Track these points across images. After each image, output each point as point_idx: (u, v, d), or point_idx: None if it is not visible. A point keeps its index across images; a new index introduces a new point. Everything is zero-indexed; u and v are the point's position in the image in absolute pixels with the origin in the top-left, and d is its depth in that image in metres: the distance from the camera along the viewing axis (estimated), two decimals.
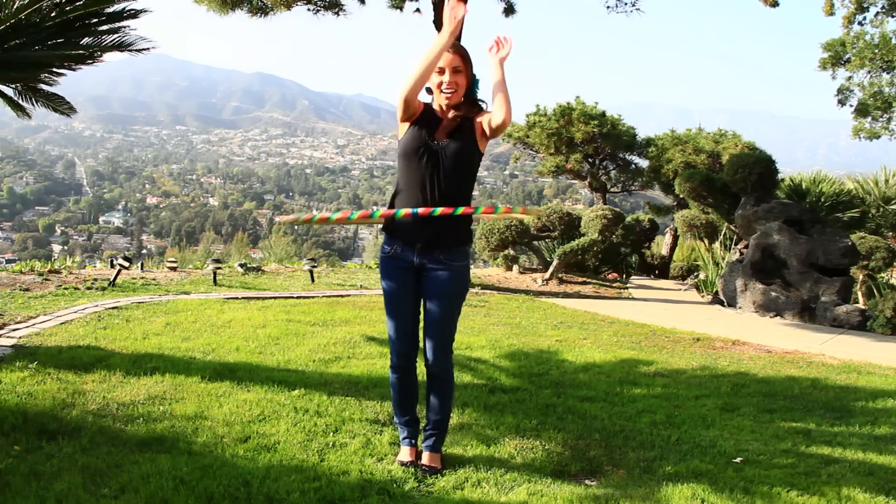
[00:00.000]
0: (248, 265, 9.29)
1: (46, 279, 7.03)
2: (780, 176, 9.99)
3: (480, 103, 2.82)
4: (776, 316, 8.24)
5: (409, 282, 2.82)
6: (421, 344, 2.90)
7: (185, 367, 4.02)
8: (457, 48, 2.72)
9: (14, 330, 4.78)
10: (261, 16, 9.05)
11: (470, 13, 8.71)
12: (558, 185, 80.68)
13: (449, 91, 2.71)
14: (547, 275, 10.10)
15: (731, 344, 6.18)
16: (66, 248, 66.63)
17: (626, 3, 10.11)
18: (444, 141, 2.74)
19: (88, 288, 6.72)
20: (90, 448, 2.78)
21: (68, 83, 5.25)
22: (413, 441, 2.95)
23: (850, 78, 16.67)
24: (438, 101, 2.78)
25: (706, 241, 11.43)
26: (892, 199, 12.62)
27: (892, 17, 15.66)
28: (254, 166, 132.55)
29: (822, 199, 10.49)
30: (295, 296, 7.26)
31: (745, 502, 2.70)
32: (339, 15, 9.22)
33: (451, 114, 2.76)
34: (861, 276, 10.28)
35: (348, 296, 7.54)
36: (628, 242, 12.56)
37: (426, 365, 2.89)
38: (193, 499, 2.39)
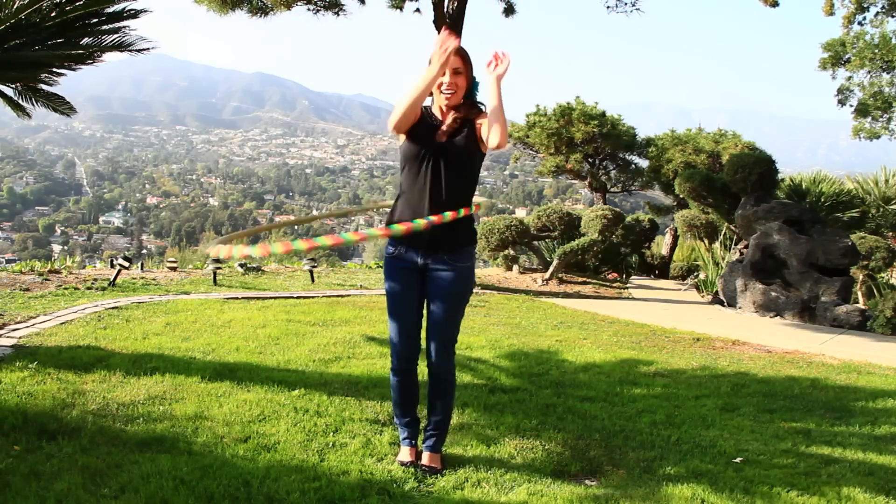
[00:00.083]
0: (248, 265, 9.29)
1: (46, 279, 7.03)
2: (780, 176, 9.99)
3: (480, 105, 2.81)
4: (776, 316, 8.24)
5: (414, 282, 2.81)
6: (423, 344, 2.90)
7: (185, 367, 4.02)
8: (458, 50, 2.72)
9: (14, 330, 4.78)
10: (261, 16, 9.06)
11: (470, 13, 8.72)
12: (558, 185, 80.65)
13: (449, 92, 2.71)
14: (547, 275, 10.10)
15: (731, 344, 6.18)
16: (66, 248, 66.65)
17: (626, 3, 10.12)
18: (445, 142, 2.74)
19: (88, 288, 6.72)
20: (90, 448, 2.78)
21: (68, 83, 5.25)
22: (413, 441, 2.95)
23: (850, 78, 16.68)
24: (438, 102, 2.78)
25: (706, 241, 11.42)
26: (892, 199, 12.63)
27: (892, 17, 15.67)
28: (254, 166, 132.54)
29: (822, 199, 10.49)
30: (295, 296, 7.26)
31: (745, 502, 2.70)
32: (339, 15, 9.23)
33: (450, 115, 2.76)
34: (861, 276, 10.28)
35: (348, 296, 7.55)
36: (628, 242, 12.56)
37: (428, 365, 2.89)
38: (193, 499, 2.39)
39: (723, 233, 11.12)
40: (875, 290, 10.16)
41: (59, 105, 5.08)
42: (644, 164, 15.17)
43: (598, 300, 8.97)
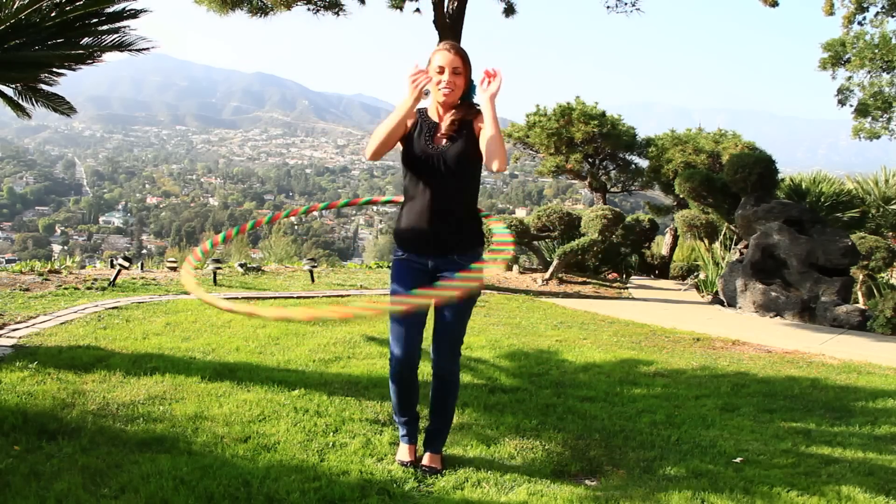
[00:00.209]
0: (248, 265, 9.29)
1: (46, 279, 7.03)
2: (780, 176, 9.99)
3: (476, 106, 2.81)
4: (776, 316, 8.24)
5: (423, 284, 2.78)
6: (420, 351, 2.88)
7: (185, 367, 4.02)
8: (458, 50, 2.72)
9: (14, 330, 4.78)
10: (261, 16, 9.07)
11: (470, 13, 8.71)
12: (558, 185, 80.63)
13: (447, 90, 2.71)
14: (547, 275, 10.10)
15: (731, 344, 6.18)
16: (66, 248, 66.62)
17: (626, 3, 10.13)
18: (445, 145, 2.73)
19: (88, 288, 6.72)
20: (90, 448, 2.78)
21: (68, 83, 5.25)
22: (413, 439, 2.95)
23: (850, 78, 16.68)
24: (436, 99, 2.77)
25: (706, 241, 11.42)
26: (892, 199, 12.62)
27: (892, 17, 15.67)
28: (254, 166, 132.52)
29: (822, 199, 10.48)
30: (295, 296, 7.25)
31: (745, 502, 2.70)
32: (339, 15, 9.24)
33: (448, 118, 2.75)
34: (861, 276, 10.28)
35: (348, 296, 7.55)
36: (628, 242, 12.55)
37: (433, 366, 2.88)
38: (193, 499, 2.39)
39: (723, 233, 11.12)
40: (875, 290, 10.15)
41: (59, 105, 5.09)
42: (644, 164, 15.16)
43: (598, 300, 8.97)
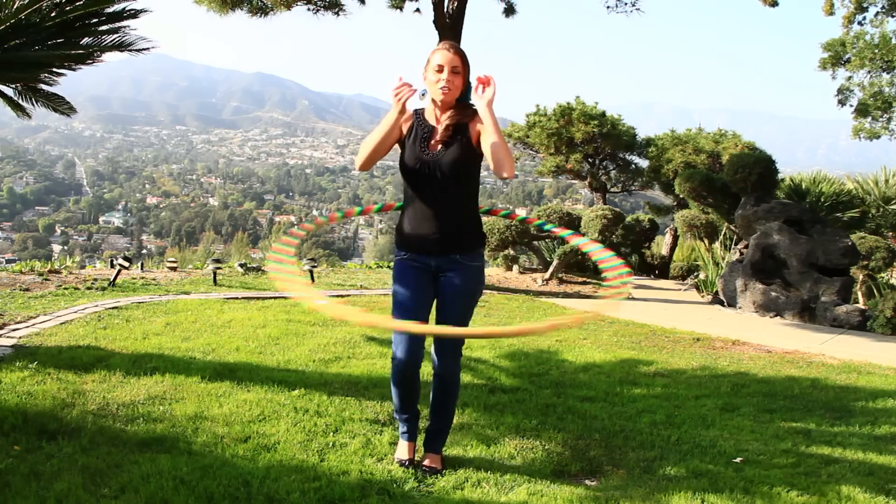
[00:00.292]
0: (248, 265, 9.28)
1: (46, 279, 7.03)
2: (780, 176, 9.99)
3: (473, 106, 2.79)
4: (776, 316, 8.24)
5: (426, 283, 2.79)
6: (424, 351, 2.88)
7: (185, 367, 4.02)
8: (457, 50, 2.71)
9: (14, 330, 4.78)
10: (261, 16, 9.07)
11: (470, 13, 8.72)
12: (558, 185, 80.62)
13: (445, 88, 2.69)
14: (547, 275, 10.10)
15: (731, 344, 6.18)
16: (66, 248, 66.62)
17: (626, 3, 10.14)
18: (440, 151, 2.72)
19: (88, 288, 6.72)
20: (90, 448, 2.78)
21: (68, 83, 5.25)
22: (412, 437, 2.94)
23: (850, 78, 16.68)
24: (434, 98, 2.74)
25: (706, 241, 11.42)
26: (892, 199, 12.62)
27: (892, 16, 15.67)
28: (254, 166, 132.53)
29: (822, 199, 10.48)
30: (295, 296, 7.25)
31: (745, 502, 2.70)
32: (339, 15, 9.24)
33: (444, 121, 2.73)
34: (861, 276, 10.28)
35: (348, 296, 7.54)
36: (628, 242, 12.56)
37: (434, 366, 2.87)
38: (193, 499, 2.39)
39: (723, 233, 11.12)
40: (875, 290, 10.15)
41: (59, 105, 5.08)
42: (644, 164, 15.16)
43: (598, 300, 8.96)
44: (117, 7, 4.52)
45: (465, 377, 4.32)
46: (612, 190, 15.97)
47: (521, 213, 10.91)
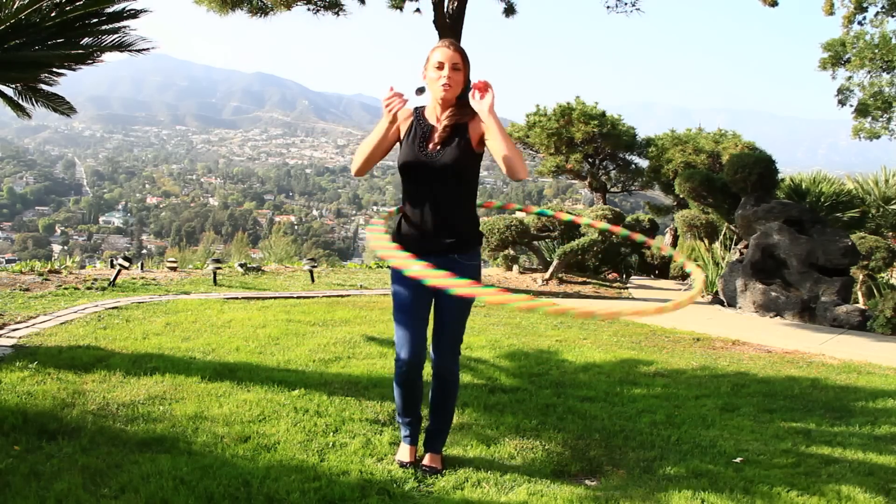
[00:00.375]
0: (248, 265, 9.29)
1: (46, 279, 7.03)
2: (780, 176, 9.99)
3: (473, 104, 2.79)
4: (776, 316, 8.24)
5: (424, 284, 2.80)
6: (426, 351, 2.88)
7: (185, 367, 4.02)
8: (457, 47, 2.71)
9: (14, 330, 4.78)
10: (261, 16, 9.07)
11: (470, 13, 8.72)
12: (558, 185, 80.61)
13: (446, 85, 2.69)
14: (547, 275, 10.10)
15: (731, 344, 6.18)
16: (66, 248, 66.64)
17: (626, 3, 10.14)
18: (438, 152, 2.71)
19: (88, 288, 6.72)
20: (90, 448, 2.78)
21: (68, 83, 5.25)
22: (414, 440, 2.95)
23: (850, 78, 16.70)
24: (435, 95, 2.74)
25: (706, 241, 11.43)
26: (892, 199, 12.62)
27: (892, 16, 15.67)
28: (254, 166, 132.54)
29: (822, 199, 10.48)
30: (295, 296, 7.26)
31: (745, 502, 2.70)
32: (339, 15, 9.24)
33: (443, 121, 2.73)
34: (861, 276, 10.28)
35: (348, 296, 7.54)
36: (628, 242, 12.55)
37: (433, 366, 2.88)
38: (193, 499, 2.39)
39: (723, 233, 11.12)
40: (875, 290, 10.15)
41: (59, 105, 5.08)
42: (644, 164, 15.18)
43: (598, 300, 8.97)
44: (117, 7, 4.52)
45: (465, 377, 4.32)
46: (612, 190, 15.98)
47: (520, 213, 10.92)
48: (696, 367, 5.14)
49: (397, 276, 2.84)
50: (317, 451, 2.92)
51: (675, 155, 13.60)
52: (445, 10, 8.48)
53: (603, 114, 14.24)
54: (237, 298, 6.78)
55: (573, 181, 18.58)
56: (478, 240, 2.86)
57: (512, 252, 10.99)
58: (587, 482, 2.89)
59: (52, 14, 4.27)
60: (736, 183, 9.39)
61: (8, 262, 27.83)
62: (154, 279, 7.68)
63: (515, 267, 11.03)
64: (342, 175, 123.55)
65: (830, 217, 10.16)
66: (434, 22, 8.56)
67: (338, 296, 7.49)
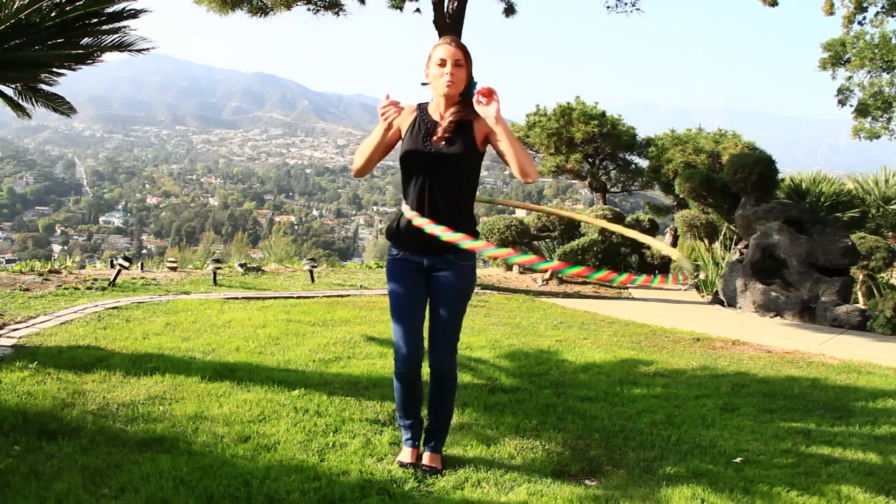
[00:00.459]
0: (248, 265, 9.29)
1: (46, 279, 7.03)
2: (780, 176, 9.98)
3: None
4: (776, 316, 8.24)
5: (420, 282, 2.80)
6: (424, 348, 2.89)
7: (185, 367, 4.02)
8: (459, 44, 2.71)
9: (14, 330, 4.78)
10: (261, 16, 9.07)
11: (470, 13, 8.72)
12: (558, 185, 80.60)
13: (450, 82, 2.68)
14: (547, 275, 10.10)
15: (731, 344, 6.18)
16: (66, 248, 66.61)
17: (626, 3, 10.13)
18: (442, 146, 2.71)
19: (88, 288, 6.72)
20: (90, 448, 2.78)
21: (68, 83, 5.25)
22: (416, 442, 2.95)
23: (850, 78, 16.70)
24: (439, 92, 2.74)
25: (706, 241, 11.43)
26: (892, 199, 12.61)
27: (892, 16, 15.67)
28: (254, 166, 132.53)
29: (822, 199, 10.48)
30: (295, 296, 7.26)
31: (745, 502, 2.70)
32: (339, 15, 9.24)
33: (447, 118, 2.74)
34: (861, 276, 10.28)
35: (348, 296, 7.54)
36: (628, 242, 12.55)
37: (430, 365, 2.88)
38: (193, 499, 2.39)
39: (723, 233, 11.12)
40: (875, 290, 10.15)
41: (59, 105, 5.08)
42: (644, 164, 15.17)
43: (598, 300, 8.97)
44: (117, 7, 4.51)
45: (466, 377, 4.32)
46: (612, 190, 15.98)
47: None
48: (696, 367, 5.14)
49: (392, 276, 2.85)
50: (317, 451, 2.92)
51: (675, 155, 13.60)
52: (445, 9, 8.48)
53: (603, 114, 14.24)
54: (237, 298, 6.78)
55: (573, 181, 18.58)
56: (474, 237, 2.85)
57: None
58: (587, 482, 2.89)
59: (52, 14, 4.27)
60: (736, 183, 9.39)
61: (8, 262, 27.83)
62: (154, 279, 7.68)
63: (515, 267, 11.03)
64: (342, 175, 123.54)
65: (830, 217, 10.16)
66: (434, 22, 8.56)
67: (338, 296, 7.49)
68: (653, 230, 13.04)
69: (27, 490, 2.39)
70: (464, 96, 2.75)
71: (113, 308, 5.75)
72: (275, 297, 7.06)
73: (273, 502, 2.44)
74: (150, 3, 4.94)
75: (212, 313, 5.77)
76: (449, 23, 8.46)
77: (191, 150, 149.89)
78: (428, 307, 2.86)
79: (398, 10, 9.45)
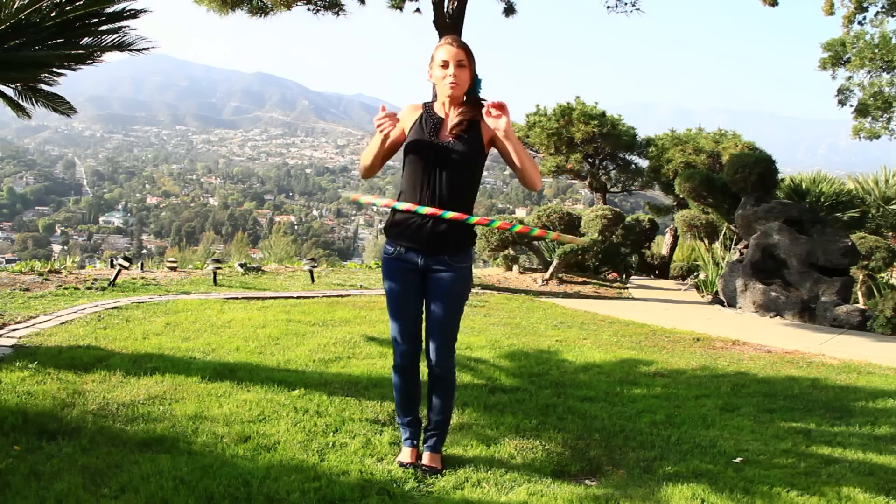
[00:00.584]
0: (248, 265, 9.29)
1: (46, 279, 7.03)
2: (780, 176, 9.99)
3: (483, 101, 2.78)
4: (776, 316, 8.24)
5: (414, 282, 2.80)
6: (423, 344, 2.90)
7: (185, 367, 4.02)
8: (461, 44, 2.70)
9: (14, 330, 4.78)
10: (261, 16, 9.06)
11: (470, 13, 8.71)
12: (558, 185, 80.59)
13: (453, 83, 2.68)
14: (547, 275, 10.10)
15: (731, 344, 6.18)
16: (66, 248, 66.62)
17: (626, 3, 10.12)
18: (449, 141, 2.72)
19: (88, 288, 6.72)
20: (90, 448, 2.78)
21: (68, 83, 5.24)
22: (415, 442, 2.95)
23: (850, 78, 16.68)
24: (443, 94, 2.74)
25: (706, 241, 11.43)
26: (892, 199, 12.62)
27: (892, 16, 15.66)
28: (254, 166, 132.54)
29: (822, 199, 10.49)
30: (295, 296, 7.26)
31: (745, 502, 2.70)
32: (339, 15, 9.23)
33: (455, 117, 2.73)
34: (861, 276, 10.28)
35: (348, 296, 7.54)
36: (628, 242, 12.57)
37: (428, 365, 2.88)
38: (193, 499, 2.39)
39: (723, 233, 11.12)
40: (875, 290, 10.16)
41: (59, 105, 5.08)
42: (644, 164, 15.18)
43: (598, 300, 8.97)
44: (117, 7, 4.51)
45: (465, 377, 4.32)
46: (612, 190, 15.98)
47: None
48: (696, 367, 5.14)
49: (387, 276, 2.85)
50: (317, 451, 2.92)
51: (675, 155, 13.61)
52: (445, 9, 8.48)
53: (603, 114, 14.24)
54: (237, 298, 6.78)
55: (573, 181, 18.58)
56: (470, 240, 2.85)
57: (512, 252, 10.99)
58: (587, 482, 2.89)
59: (52, 14, 4.27)
60: (736, 183, 9.39)
61: (8, 262, 27.84)
62: (154, 279, 7.68)
63: (515, 267, 11.03)
64: (342, 175, 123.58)
65: (830, 217, 10.17)
66: (434, 22, 8.56)
67: (338, 296, 7.49)
68: (653, 230, 13.05)
69: (27, 490, 2.39)
70: (469, 95, 2.75)
71: (113, 308, 5.75)
72: (275, 297, 7.06)
73: (273, 502, 2.44)
74: (150, 3, 4.94)
75: (212, 313, 5.77)
76: (449, 23, 8.46)
77: (191, 150, 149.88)
78: (425, 308, 2.86)
79: (398, 10, 9.44)
